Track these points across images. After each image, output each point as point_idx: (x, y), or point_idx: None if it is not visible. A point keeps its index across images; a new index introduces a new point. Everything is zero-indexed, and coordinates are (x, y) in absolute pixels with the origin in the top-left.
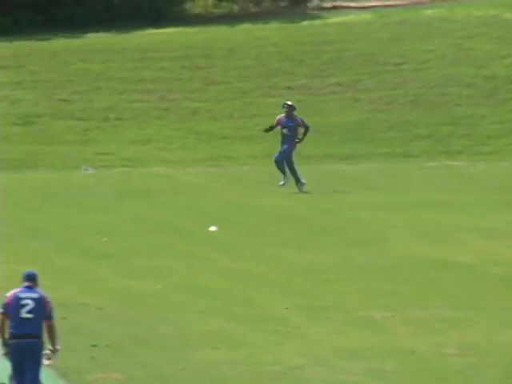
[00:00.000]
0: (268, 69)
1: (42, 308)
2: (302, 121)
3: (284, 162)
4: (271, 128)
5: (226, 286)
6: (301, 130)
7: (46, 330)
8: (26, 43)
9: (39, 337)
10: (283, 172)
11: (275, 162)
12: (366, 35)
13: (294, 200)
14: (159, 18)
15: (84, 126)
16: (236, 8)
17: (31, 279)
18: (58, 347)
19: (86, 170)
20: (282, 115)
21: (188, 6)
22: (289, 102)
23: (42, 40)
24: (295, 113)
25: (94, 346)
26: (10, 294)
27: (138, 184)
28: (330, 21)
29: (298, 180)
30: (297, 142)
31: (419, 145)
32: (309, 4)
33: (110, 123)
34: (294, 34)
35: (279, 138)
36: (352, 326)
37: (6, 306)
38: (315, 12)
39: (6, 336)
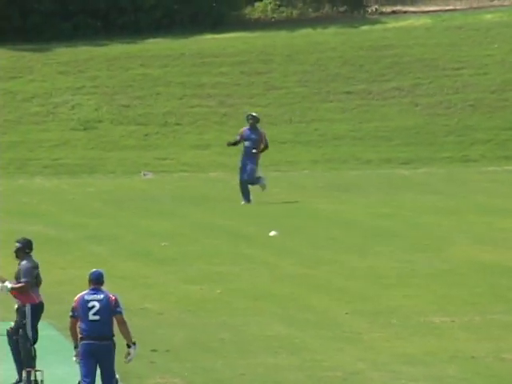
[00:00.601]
0: (327, 74)
1: (109, 307)
2: (265, 136)
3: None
4: (236, 142)
5: (286, 290)
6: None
7: (117, 326)
8: (85, 49)
9: (109, 337)
10: (254, 184)
11: (242, 181)
12: (425, 40)
13: (353, 205)
14: (218, 23)
15: (144, 131)
16: (295, 13)
17: (98, 281)
18: (134, 340)
19: (145, 175)
20: (246, 127)
21: (247, 11)
22: (253, 114)
23: (101, 46)
24: (258, 125)
25: (153, 350)
26: (77, 297)
27: (197, 189)
28: (389, 25)
29: (247, 198)
30: (254, 153)
31: (479, 149)
32: (368, 9)
33: (170, 128)
34: (353, 38)
35: (241, 149)
36: (412, 331)
37: (75, 310)
38: (374, 17)
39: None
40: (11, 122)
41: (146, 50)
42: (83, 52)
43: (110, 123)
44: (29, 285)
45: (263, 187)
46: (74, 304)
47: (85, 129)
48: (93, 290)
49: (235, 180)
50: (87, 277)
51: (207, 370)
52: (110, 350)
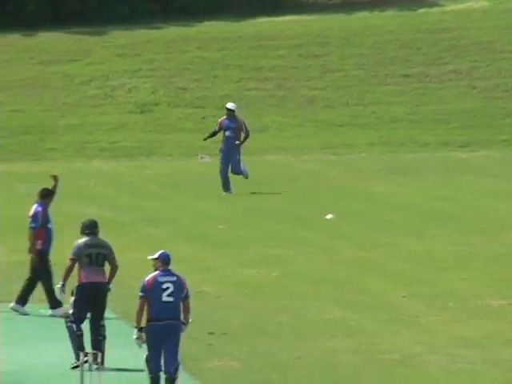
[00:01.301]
0: (384, 57)
1: (181, 290)
2: (244, 124)
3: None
4: (213, 134)
5: (343, 273)
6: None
7: (182, 308)
8: (142, 32)
9: (179, 318)
10: (239, 174)
11: (224, 172)
12: (483, 23)
13: (411, 188)
14: (276, 6)
15: (201, 113)
16: None
17: (167, 262)
18: (190, 321)
19: (202, 158)
20: (224, 117)
21: None
22: (229, 106)
23: (158, 28)
24: (237, 114)
25: (211, 333)
26: (149, 278)
27: (254, 172)
28: (447, 8)
29: (227, 188)
30: (237, 145)
31: None
32: None
33: None
34: (410, 21)
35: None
36: (469, 315)
37: (147, 290)
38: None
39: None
40: (69, 105)
41: (203, 33)
42: (140, 35)
43: (167, 106)
44: (72, 262)
45: (246, 176)
46: (145, 284)
47: (142, 112)
48: (164, 271)
49: (292, 163)
50: (155, 258)
51: (264, 354)
52: (179, 329)
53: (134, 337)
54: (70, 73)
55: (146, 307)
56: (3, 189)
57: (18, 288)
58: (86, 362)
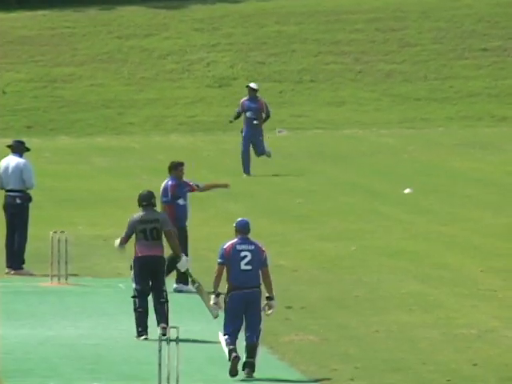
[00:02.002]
0: (463, 31)
1: (259, 258)
2: (265, 105)
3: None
4: (238, 115)
5: (421, 248)
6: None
7: (261, 277)
8: (220, 5)
9: (258, 286)
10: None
11: (246, 154)
12: None
13: (489, 162)
14: None
15: (279, 88)
16: None
17: (245, 230)
18: (274, 294)
19: (280, 132)
20: (245, 98)
21: None
22: (251, 85)
23: (236, 2)
24: (258, 94)
25: (288, 307)
26: (227, 245)
27: (332, 146)
28: None
29: (247, 170)
30: (256, 125)
31: None
32: None
33: (305, 85)
34: None
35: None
36: None
37: (225, 257)
38: None
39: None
40: (147, 80)
41: (281, 7)
42: (218, 9)
43: (245, 80)
44: (125, 237)
45: (269, 155)
46: (224, 252)
47: (220, 86)
48: (242, 239)
49: (369, 137)
50: (234, 226)
51: (341, 327)
52: (259, 297)
53: (211, 302)
54: (148, 47)
55: (224, 274)
56: (83, 163)
57: (98, 261)
58: (146, 339)
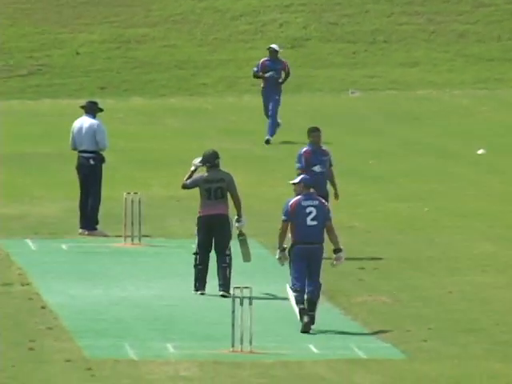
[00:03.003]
0: None
1: (324, 213)
2: (287, 66)
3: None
4: (258, 75)
5: (495, 208)
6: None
7: (326, 232)
8: None
9: (322, 242)
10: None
11: (269, 114)
12: None
13: None
14: None
15: (352, 48)
16: None
17: (309, 186)
18: (341, 247)
19: (352, 93)
20: (265, 58)
21: None
22: (273, 46)
23: None
24: (280, 55)
25: (361, 268)
26: (292, 202)
27: (405, 107)
28: None
29: (273, 132)
30: (279, 83)
31: None
32: None
33: (378, 46)
34: None
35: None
36: None
37: (291, 214)
38: None
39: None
40: (220, 41)
41: None
42: None
43: (318, 41)
44: (187, 181)
45: (278, 125)
46: (290, 208)
47: (293, 47)
48: (306, 195)
49: (442, 97)
50: (298, 183)
51: (415, 288)
52: (322, 252)
53: (277, 257)
54: (221, 8)
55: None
56: (156, 124)
57: (171, 222)
58: (203, 294)
